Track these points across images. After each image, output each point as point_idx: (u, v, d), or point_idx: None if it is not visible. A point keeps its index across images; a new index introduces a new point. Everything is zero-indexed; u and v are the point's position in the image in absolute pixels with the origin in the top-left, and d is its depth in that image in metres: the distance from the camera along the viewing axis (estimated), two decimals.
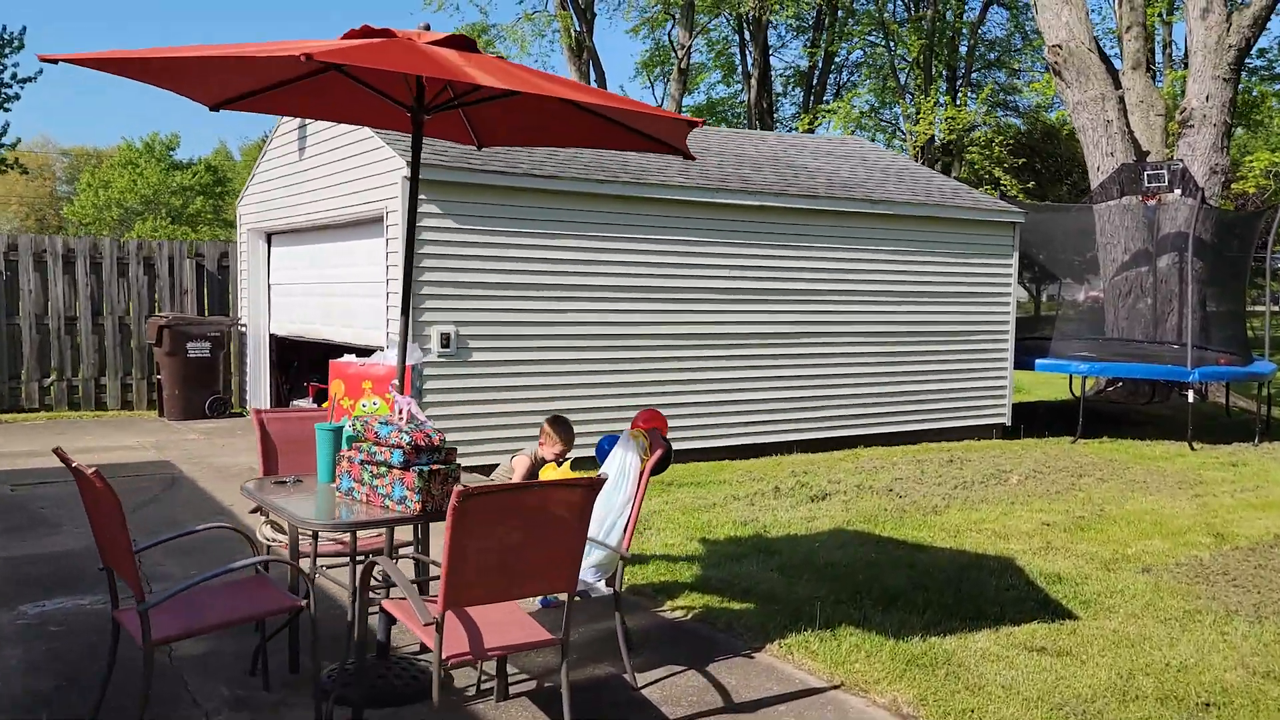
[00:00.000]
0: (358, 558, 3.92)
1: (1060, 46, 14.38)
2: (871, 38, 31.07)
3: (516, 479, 4.68)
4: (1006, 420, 11.19)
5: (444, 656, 2.93)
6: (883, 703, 3.78)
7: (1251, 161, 24.48)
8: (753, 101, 29.45)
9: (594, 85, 27.63)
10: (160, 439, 9.71)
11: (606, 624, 4.39)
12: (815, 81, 32.20)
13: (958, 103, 29.47)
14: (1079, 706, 3.75)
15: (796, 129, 29.76)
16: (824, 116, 29.71)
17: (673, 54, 28.39)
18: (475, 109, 4.04)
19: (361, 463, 3.36)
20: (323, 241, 9.70)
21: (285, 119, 10.15)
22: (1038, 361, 11.36)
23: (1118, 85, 14.73)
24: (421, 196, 7.57)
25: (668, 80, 29.73)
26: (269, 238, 11.14)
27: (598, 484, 3.05)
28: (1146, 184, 12.93)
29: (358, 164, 8.37)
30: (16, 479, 7.60)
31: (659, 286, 8.71)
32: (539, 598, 5.13)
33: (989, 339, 10.88)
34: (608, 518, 3.79)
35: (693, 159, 3.91)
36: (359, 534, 4.00)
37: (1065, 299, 16.65)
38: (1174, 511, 7.44)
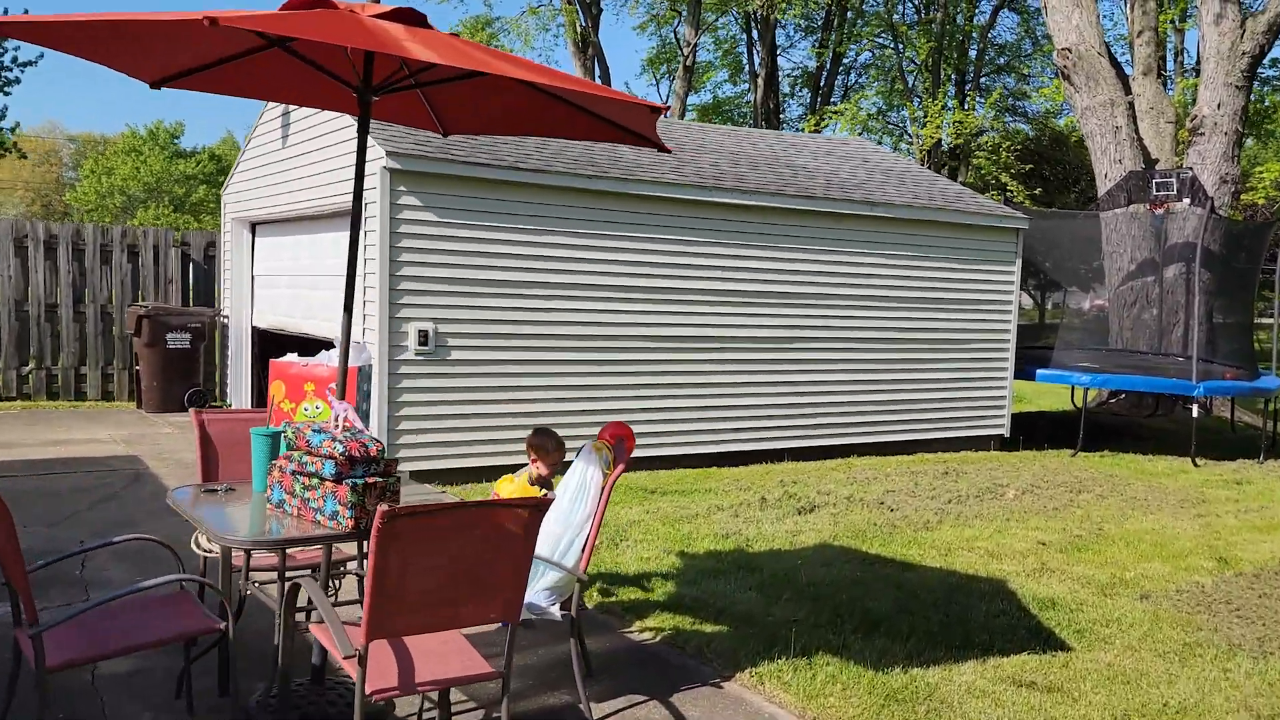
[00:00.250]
0: (301, 574, 3.65)
1: (1070, 50, 14.08)
2: (880, 40, 30.77)
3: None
4: (1005, 431, 10.90)
5: (368, 691, 2.66)
6: None
7: (1261, 173, 24.16)
8: (759, 101, 29.15)
9: (598, 81, 27.44)
10: (132, 432, 9.45)
11: (569, 647, 4.11)
12: (823, 83, 31.90)
13: (965, 107, 29.15)
14: None
15: (803, 130, 29.45)
16: (831, 118, 29.41)
17: (679, 51, 28.08)
18: (438, 93, 3.77)
19: (293, 473, 3.09)
20: (305, 233, 9.43)
21: (270, 106, 9.89)
22: (1039, 372, 11.06)
23: (1128, 91, 14.43)
24: (400, 188, 7.30)
25: (673, 78, 29.44)
26: (253, 228, 10.88)
27: (544, 504, 2.78)
28: (1155, 192, 12.62)
29: (337, 153, 8.10)
30: None
31: (649, 287, 8.43)
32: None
33: (989, 347, 10.59)
34: (564, 536, 3.52)
35: (667, 151, 3.64)
36: (302, 548, 3.73)
37: (1070, 308, 16.36)
38: (1175, 532, 7.15)
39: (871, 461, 9.57)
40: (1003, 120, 30.89)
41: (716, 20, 30.05)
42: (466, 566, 2.69)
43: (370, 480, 3.00)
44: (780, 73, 31.81)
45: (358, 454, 2.99)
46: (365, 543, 3.59)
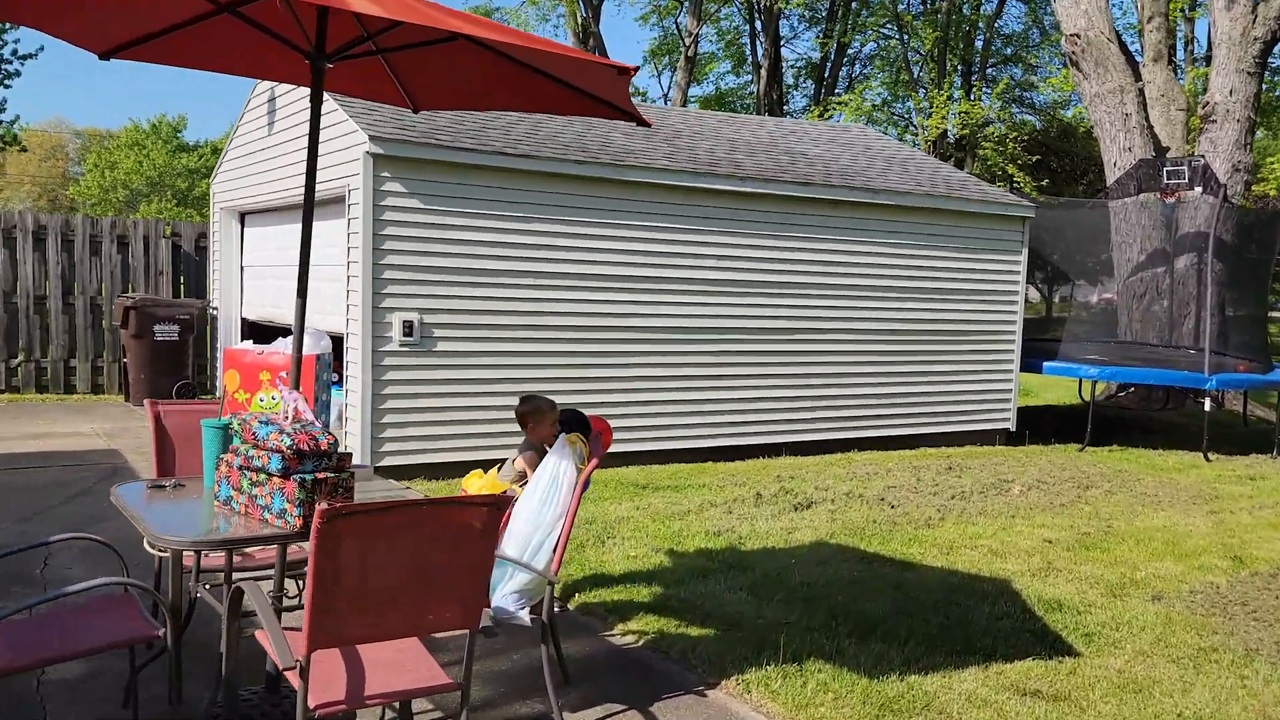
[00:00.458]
0: (259, 575, 3.43)
1: (1078, 36, 13.77)
2: (885, 30, 30.43)
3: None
4: (1011, 425, 10.64)
5: (312, 706, 2.44)
6: None
7: (1273, 163, 23.81)
8: (762, 92, 28.85)
9: None
10: (117, 425, 9.25)
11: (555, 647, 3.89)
12: (827, 74, 31.59)
13: (972, 98, 28.80)
14: None
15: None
16: (835, 109, 29.09)
17: (681, 42, 27.79)
18: (403, 64, 3.53)
19: (240, 468, 2.87)
20: (292, 222, 9.22)
21: (258, 91, 9.66)
22: (1045, 364, 10.80)
23: (1137, 78, 14.12)
24: (384, 174, 7.07)
25: (675, 69, 29.14)
26: (242, 218, 10.67)
27: (504, 501, 2.55)
28: (1166, 180, 12.32)
29: (322, 138, 7.84)
30: None
31: (642, 276, 8.19)
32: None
33: (995, 339, 10.33)
34: (534, 535, 3.29)
35: (646, 124, 3.40)
36: (262, 547, 3.51)
37: (1078, 300, 16.08)
38: (1188, 530, 6.90)
39: (872, 456, 9.33)
40: (1009, 111, 30.54)
41: (719, 11, 29.74)
42: (417, 569, 2.47)
43: (320, 476, 2.77)
44: (784, 64, 31.51)
45: (307, 447, 2.77)
46: None
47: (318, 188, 7.95)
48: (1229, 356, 11.70)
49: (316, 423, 2.85)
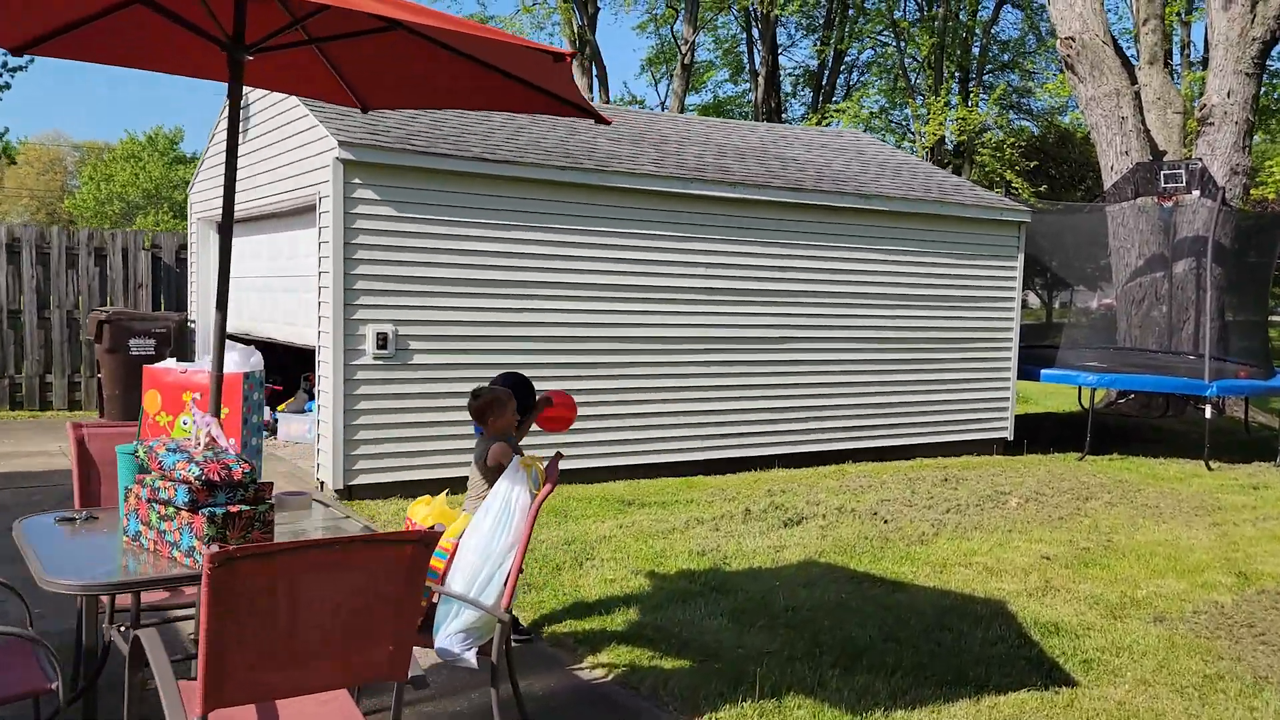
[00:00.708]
0: (172, 616, 3.18)
1: (1073, 39, 13.56)
2: (882, 37, 30.29)
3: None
4: (1009, 434, 10.38)
5: None
6: None
7: (1272, 166, 23.60)
8: (760, 101, 28.67)
9: (595, 83, 27.02)
10: None
11: (507, 690, 3.62)
12: (825, 81, 31.43)
13: (969, 104, 28.62)
14: None
15: None
16: (833, 116, 28.91)
17: (677, 50, 27.63)
18: (344, 60, 3.29)
19: (148, 500, 2.61)
20: (268, 232, 8.98)
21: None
22: (1043, 372, 10.54)
23: (1134, 81, 13.91)
24: (355, 180, 6.83)
25: (672, 77, 28.97)
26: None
27: (431, 539, 2.30)
28: (1163, 184, 12.08)
29: (293, 144, 7.64)
30: None
31: (628, 285, 7.94)
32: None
33: (991, 347, 10.08)
34: (484, 568, 3.03)
35: (605, 121, 3.16)
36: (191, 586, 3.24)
37: (1078, 306, 15.84)
38: (1190, 543, 6.63)
39: (867, 468, 9.07)
40: (1007, 117, 30.37)
41: (716, 18, 29.60)
42: (331, 616, 2.21)
43: (234, 509, 2.52)
44: (782, 71, 31.36)
45: (218, 478, 2.51)
46: None
47: (294, 197, 7.74)
48: (1229, 362, 11.45)
49: (231, 450, 2.60)
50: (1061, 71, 19.31)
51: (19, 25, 3.07)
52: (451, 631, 3.00)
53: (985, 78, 31.10)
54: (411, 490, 6.99)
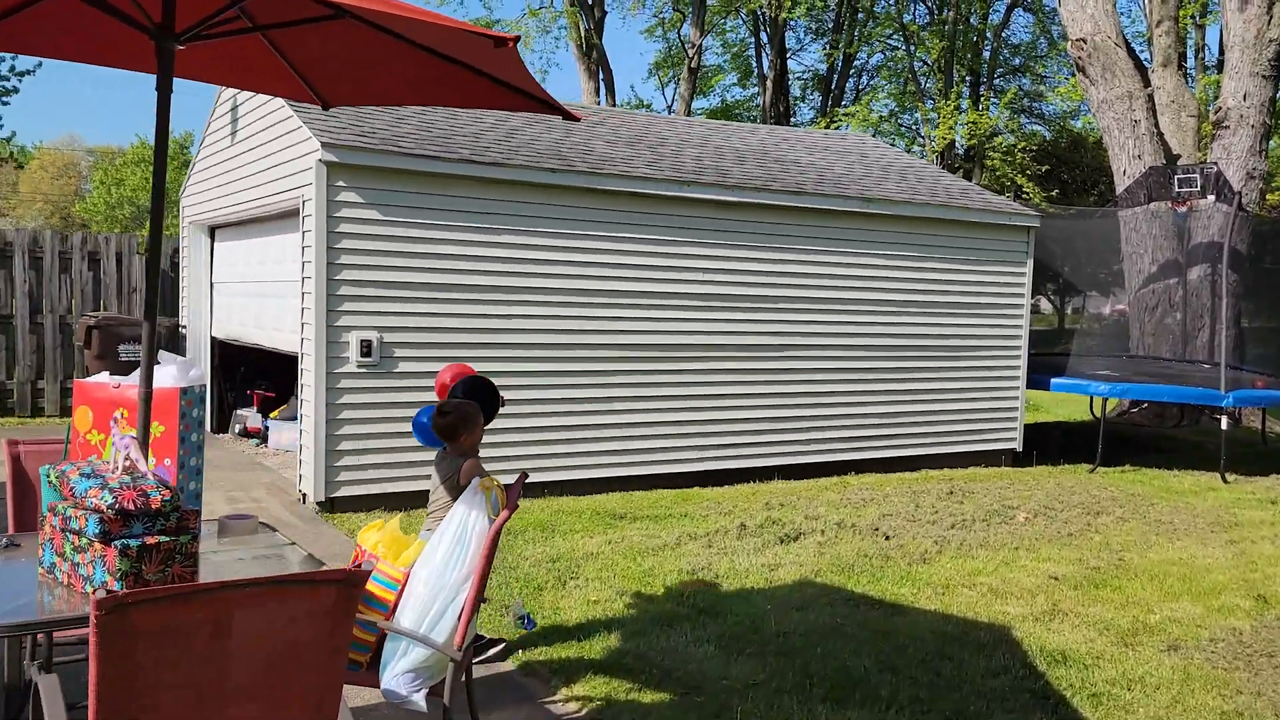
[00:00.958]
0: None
1: (1085, 40, 13.27)
2: (892, 41, 30.01)
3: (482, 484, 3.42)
4: (1018, 445, 10.09)
5: None
6: None
7: None
8: (768, 105, 28.43)
9: (602, 87, 26.84)
10: None
11: None
12: (834, 85, 31.17)
13: (980, 108, 28.31)
14: None
15: None
16: (842, 120, 28.65)
17: (684, 53, 27.42)
18: (295, 52, 3.07)
19: (61, 530, 2.39)
20: (255, 236, 8.78)
21: (221, 99, 9.25)
22: (1053, 381, 10.25)
23: (1147, 84, 13.60)
24: (339, 183, 6.62)
25: (679, 81, 28.77)
26: (212, 232, 10.25)
27: (358, 578, 2.06)
28: (1177, 188, 11.80)
29: (278, 146, 7.44)
30: None
31: (622, 290, 7.70)
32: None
33: (999, 355, 9.80)
34: (435, 602, 2.79)
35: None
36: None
37: (1090, 312, 15.53)
38: (1206, 563, 6.35)
39: (870, 480, 8.80)
40: (1018, 121, 30.05)
41: (724, 21, 29.38)
42: (243, 667, 1.98)
43: (152, 541, 2.29)
44: (790, 75, 31.12)
45: (133, 506, 2.28)
46: None
47: (275, 199, 7.54)
48: (1246, 371, 11.15)
49: (149, 474, 2.37)
50: (1073, 75, 19.03)
51: None
52: (399, 671, 2.76)
53: (996, 81, 30.78)
54: (396, 504, 6.77)
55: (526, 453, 7.34)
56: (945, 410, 9.49)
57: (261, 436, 9.63)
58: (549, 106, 2.86)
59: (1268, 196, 20.03)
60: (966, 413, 9.65)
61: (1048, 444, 11.14)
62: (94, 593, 2.29)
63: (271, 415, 9.86)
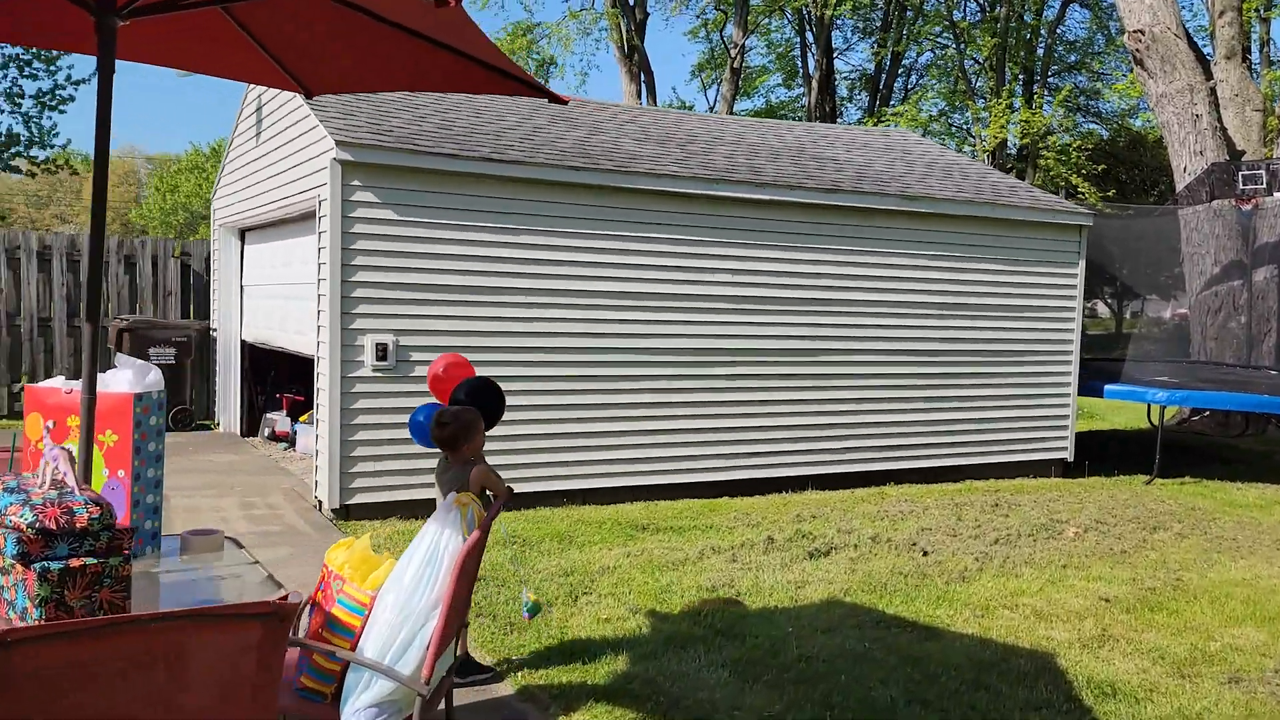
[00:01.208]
0: None
1: (1143, 32, 12.71)
2: (941, 39, 29.37)
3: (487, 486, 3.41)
4: (1069, 455, 9.62)
5: None
6: None
7: None
8: (813, 105, 27.97)
9: (644, 88, 26.62)
10: None
11: None
12: (881, 85, 30.59)
13: (1033, 106, 27.54)
14: None
15: None
16: (889, 120, 28.09)
17: (727, 54, 27.10)
18: (263, 29, 2.86)
19: None
20: (281, 237, 8.68)
21: (248, 99, 9.18)
22: (1107, 388, 9.76)
23: (1209, 77, 12.99)
24: (354, 183, 6.46)
25: (721, 82, 28.44)
26: (242, 234, 10.20)
27: (286, 612, 1.83)
28: (1242, 185, 11.22)
29: (297, 146, 7.31)
30: None
31: (648, 293, 7.44)
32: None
33: (1048, 360, 9.34)
34: (401, 630, 2.55)
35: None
36: None
37: (1148, 316, 14.92)
38: (1272, 584, 5.89)
39: (910, 491, 8.42)
40: (1074, 120, 29.20)
41: (769, 21, 28.99)
42: (159, 713, 1.75)
43: (76, 563, 2.08)
44: (837, 75, 30.62)
45: (56, 525, 2.07)
46: None
47: (295, 200, 7.40)
48: None
49: (77, 490, 2.16)
50: (1131, 70, 18.34)
51: None
52: (362, 705, 2.53)
53: (1050, 79, 29.94)
54: (412, 511, 6.58)
55: (548, 459, 7.10)
56: (991, 418, 9.06)
57: (290, 440, 9.54)
58: (533, 88, 2.62)
59: None
60: (1013, 420, 9.21)
61: (1102, 454, 10.63)
62: (17, 618, 2.08)
63: (300, 419, 9.77)
